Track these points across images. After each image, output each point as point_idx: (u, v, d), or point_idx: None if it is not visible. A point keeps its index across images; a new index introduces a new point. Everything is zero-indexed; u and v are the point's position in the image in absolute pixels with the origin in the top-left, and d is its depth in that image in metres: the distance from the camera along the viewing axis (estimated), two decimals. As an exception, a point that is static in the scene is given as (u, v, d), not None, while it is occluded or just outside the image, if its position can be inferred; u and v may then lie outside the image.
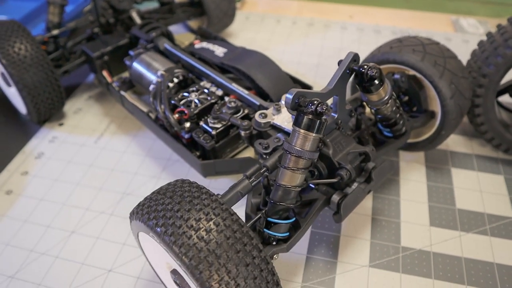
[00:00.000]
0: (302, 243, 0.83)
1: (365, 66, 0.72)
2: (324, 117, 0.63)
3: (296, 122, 0.63)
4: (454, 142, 1.05)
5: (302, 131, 0.63)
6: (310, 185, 0.75)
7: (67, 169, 1.01)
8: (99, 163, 1.02)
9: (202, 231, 0.55)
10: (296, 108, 0.64)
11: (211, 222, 0.56)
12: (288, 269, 0.80)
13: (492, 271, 0.79)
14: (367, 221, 0.87)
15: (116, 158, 1.03)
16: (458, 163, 1.00)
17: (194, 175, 0.97)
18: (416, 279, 0.78)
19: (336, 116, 0.76)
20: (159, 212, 0.59)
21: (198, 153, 0.89)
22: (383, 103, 0.77)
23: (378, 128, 0.88)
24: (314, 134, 0.63)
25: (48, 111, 1.08)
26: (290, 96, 0.64)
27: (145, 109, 0.99)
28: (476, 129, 0.99)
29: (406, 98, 0.94)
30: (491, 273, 0.79)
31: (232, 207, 0.86)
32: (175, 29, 1.38)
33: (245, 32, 1.51)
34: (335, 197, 0.72)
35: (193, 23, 1.42)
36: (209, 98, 0.90)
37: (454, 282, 0.77)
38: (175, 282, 0.66)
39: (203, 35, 1.21)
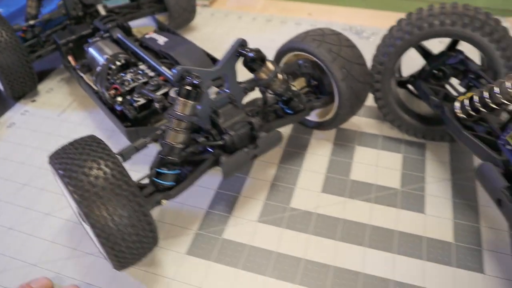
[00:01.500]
0: (205, 200, 0.98)
1: (247, 49, 0.87)
2: (200, 88, 0.79)
3: (178, 92, 0.80)
4: (366, 124, 1.17)
5: (181, 99, 0.79)
6: (208, 149, 0.91)
7: (32, 136, 1.21)
8: (59, 132, 1.21)
9: (92, 177, 0.72)
10: (179, 81, 0.80)
11: (100, 171, 0.72)
12: (188, 219, 0.95)
13: (363, 230, 0.91)
14: (266, 186, 1.02)
15: (72, 129, 1.22)
16: (364, 142, 1.12)
17: (132, 145, 1.14)
18: (294, 233, 0.91)
19: (229, 92, 0.91)
20: (64, 159, 0.76)
21: (129, 124, 1.06)
22: (270, 80, 0.92)
23: (280, 106, 1.02)
24: (191, 102, 0.79)
25: (21, 89, 1.28)
26: (175, 71, 0.80)
27: (96, 89, 1.17)
28: (380, 111, 1.12)
29: (315, 82, 1.08)
30: (362, 232, 0.91)
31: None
32: (146, 22, 1.56)
33: (205, 28, 1.67)
34: (222, 158, 0.87)
35: (162, 18, 1.60)
36: (140, 78, 1.07)
37: (326, 237, 0.90)
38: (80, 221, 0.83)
39: (161, 28, 1.39)
